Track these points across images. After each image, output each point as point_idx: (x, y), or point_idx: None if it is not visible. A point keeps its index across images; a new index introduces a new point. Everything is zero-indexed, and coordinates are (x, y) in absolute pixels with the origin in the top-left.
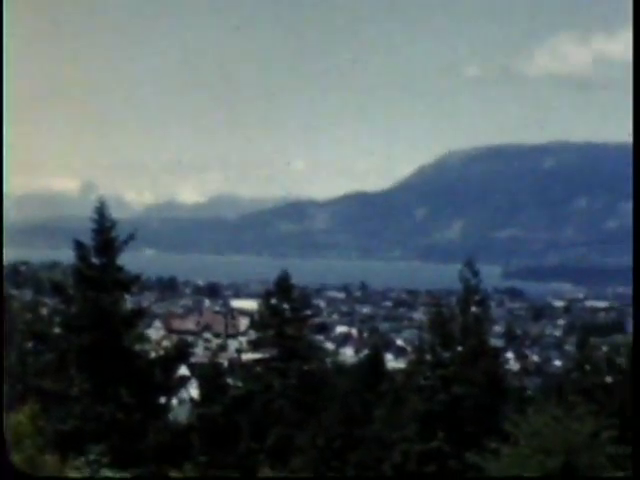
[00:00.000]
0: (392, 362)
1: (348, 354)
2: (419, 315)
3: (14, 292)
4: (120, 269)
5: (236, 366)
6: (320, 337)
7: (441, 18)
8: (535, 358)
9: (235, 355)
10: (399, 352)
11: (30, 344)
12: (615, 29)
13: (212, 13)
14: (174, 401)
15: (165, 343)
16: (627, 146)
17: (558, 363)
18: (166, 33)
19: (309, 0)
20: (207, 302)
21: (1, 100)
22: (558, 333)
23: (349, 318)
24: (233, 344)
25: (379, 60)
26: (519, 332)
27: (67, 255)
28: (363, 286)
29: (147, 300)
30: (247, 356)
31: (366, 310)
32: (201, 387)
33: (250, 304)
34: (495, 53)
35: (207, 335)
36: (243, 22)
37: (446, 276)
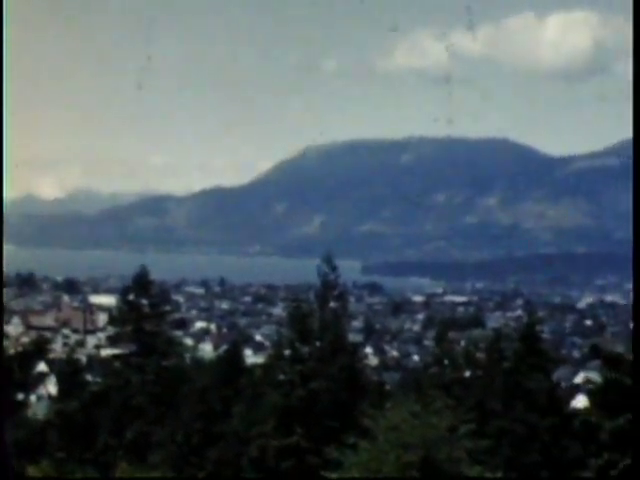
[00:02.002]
0: (251, 357)
1: (207, 350)
2: (278, 310)
3: None
4: None
5: (95, 362)
6: (179, 333)
7: (297, 12)
8: (394, 353)
9: (94, 351)
10: (258, 347)
11: None
12: (472, 26)
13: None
14: (32, 398)
15: (24, 339)
16: (485, 141)
17: (417, 358)
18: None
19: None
20: (66, 298)
21: (1, 100)
22: (417, 328)
23: (208, 313)
24: (92, 340)
25: (236, 56)
26: (378, 327)
27: None
28: (222, 281)
29: (5, 296)
30: (106, 352)
31: (225, 305)
32: (59, 383)
33: (109, 300)
34: (353, 48)
35: (66, 331)
36: (92, 20)
37: (305, 271)
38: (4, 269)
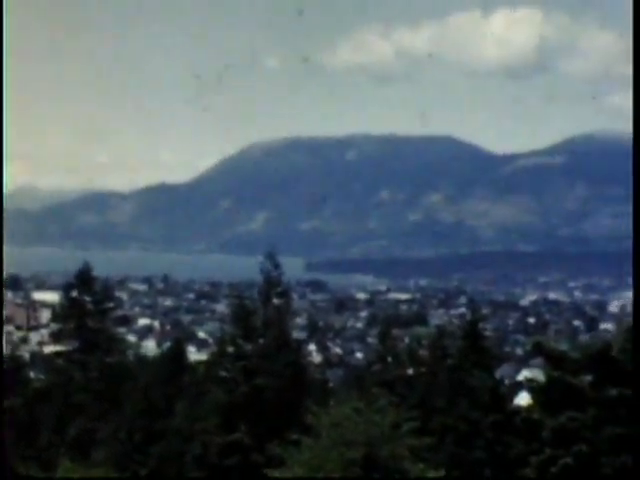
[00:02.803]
0: (194, 354)
1: (150, 346)
2: (221, 307)
3: None
4: None
5: (38, 359)
6: (122, 329)
7: (239, 8)
8: (337, 350)
9: (37, 348)
10: (201, 344)
11: None
12: (417, 23)
13: None
14: None
15: None
16: (429, 138)
17: (360, 355)
18: None
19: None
20: (9, 294)
21: (1, 100)
22: (360, 325)
23: (151, 310)
24: (35, 337)
25: (178, 53)
26: (321, 324)
27: None
28: (166, 278)
29: None
30: (49, 349)
31: (168, 302)
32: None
33: (52, 296)
34: (296, 45)
35: (9, 328)
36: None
37: (249, 268)
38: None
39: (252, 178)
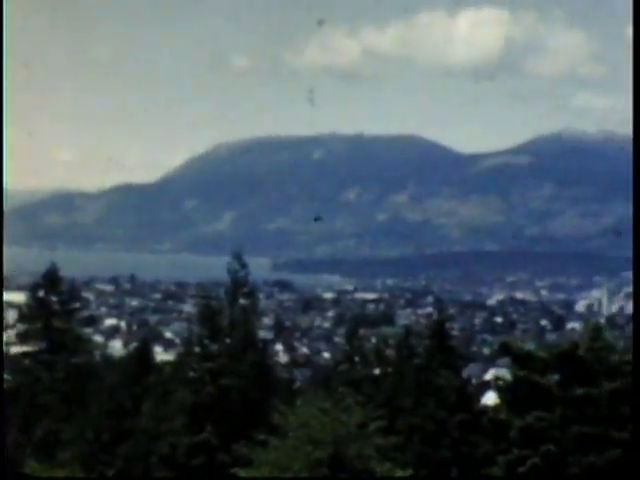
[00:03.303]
0: (161, 355)
1: (117, 347)
2: (188, 307)
3: None
4: None
5: (4, 359)
6: (88, 330)
7: (208, 8)
8: (304, 350)
9: (3, 348)
10: (168, 344)
11: None
12: (383, 23)
13: None
14: None
15: None
16: (396, 138)
17: (327, 355)
18: None
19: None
20: None
21: (1, 101)
22: (327, 325)
23: (118, 311)
24: None
25: (149, 51)
26: (288, 324)
27: None
28: (132, 278)
29: None
30: (15, 349)
31: (135, 303)
32: None
33: (19, 297)
34: (264, 45)
35: None
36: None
37: (216, 268)
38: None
39: (219, 178)
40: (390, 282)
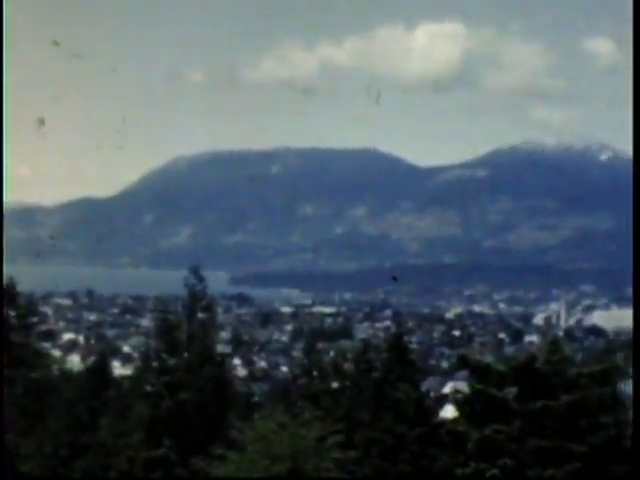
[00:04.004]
0: (119, 369)
1: (75, 361)
2: (146, 322)
3: None
4: None
5: None
6: (46, 344)
7: (162, 21)
8: (262, 364)
9: None
10: (126, 359)
11: None
12: (340, 37)
13: None
14: None
15: None
16: (354, 152)
17: (285, 369)
18: None
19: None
20: None
21: (1, 102)
22: (285, 339)
23: (76, 325)
24: None
25: (106, 65)
26: (246, 338)
27: None
28: (90, 293)
29: None
30: None
31: (93, 317)
32: None
33: None
34: (220, 58)
35: None
36: None
37: (174, 282)
38: None
39: (176, 192)
40: (348, 296)
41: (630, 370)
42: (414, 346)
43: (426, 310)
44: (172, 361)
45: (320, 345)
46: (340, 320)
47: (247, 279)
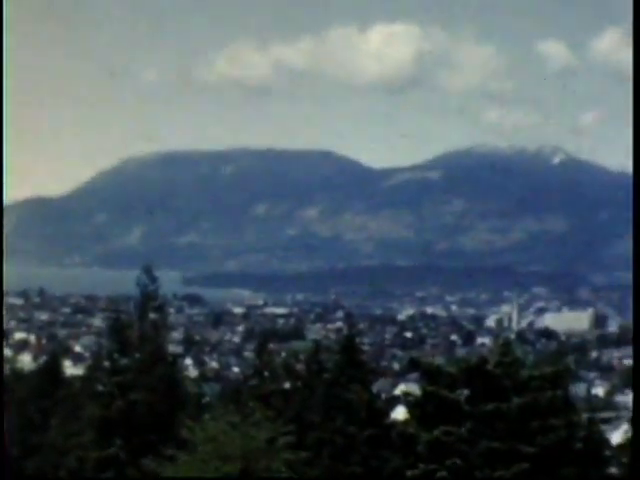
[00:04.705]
0: (70, 369)
1: (26, 361)
2: (98, 321)
3: None
4: None
5: None
6: None
7: (116, 20)
8: (214, 364)
9: None
10: (77, 359)
11: None
12: (294, 37)
13: None
14: None
15: None
16: (307, 153)
17: (237, 369)
18: None
19: None
20: None
21: (1, 102)
22: (237, 339)
23: (27, 324)
24: None
25: (59, 63)
26: (198, 338)
27: None
28: (42, 292)
29: None
30: None
31: (44, 316)
32: None
33: None
34: (174, 58)
35: None
36: None
37: (126, 282)
38: None
39: (129, 192)
40: (300, 297)
41: (580, 372)
42: (366, 347)
43: (378, 311)
44: (124, 361)
45: (272, 346)
46: (292, 321)
47: (199, 279)
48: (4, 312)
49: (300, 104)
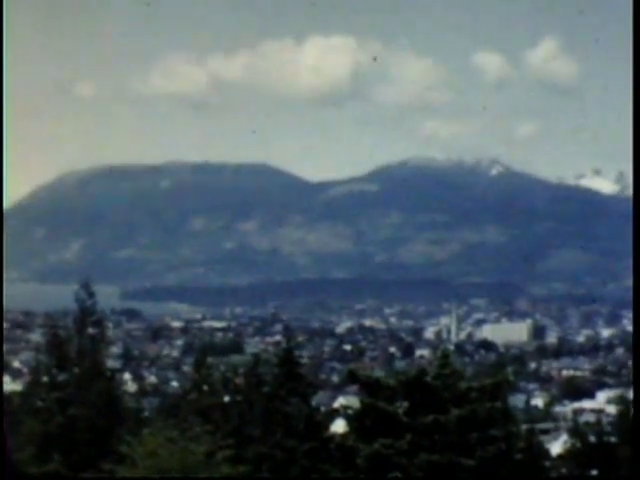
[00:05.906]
0: (9, 384)
1: None
2: (36, 337)
3: None
4: None
5: None
6: None
7: (51, 35)
8: (153, 379)
9: None
10: (16, 374)
11: None
12: (230, 51)
13: None
14: None
15: None
16: (244, 166)
17: (176, 384)
18: None
19: None
20: None
21: (1, 102)
22: (176, 353)
23: None
24: None
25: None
26: (137, 353)
27: None
28: None
29: None
30: None
31: None
32: None
33: None
34: (109, 71)
35: None
36: None
37: (64, 297)
38: None
39: (66, 207)
40: (239, 310)
41: (519, 383)
42: (305, 360)
43: (317, 324)
44: (62, 376)
45: (210, 360)
46: (231, 335)
47: (137, 294)
48: None
49: (237, 117)
